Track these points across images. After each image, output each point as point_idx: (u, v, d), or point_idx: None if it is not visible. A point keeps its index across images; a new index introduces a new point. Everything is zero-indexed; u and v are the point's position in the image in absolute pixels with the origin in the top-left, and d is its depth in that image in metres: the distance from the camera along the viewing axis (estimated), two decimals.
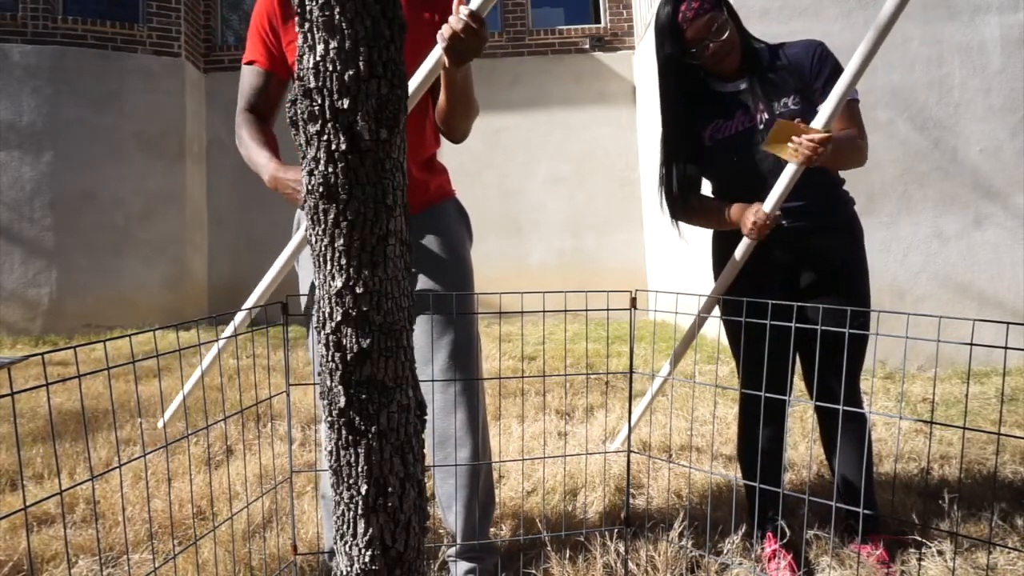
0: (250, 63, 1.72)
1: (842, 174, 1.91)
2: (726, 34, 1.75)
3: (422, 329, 1.66)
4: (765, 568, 1.77)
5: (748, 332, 1.78)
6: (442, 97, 1.62)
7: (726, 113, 1.83)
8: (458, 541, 1.69)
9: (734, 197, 1.84)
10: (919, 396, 3.48)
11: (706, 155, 1.87)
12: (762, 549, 1.82)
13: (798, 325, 1.62)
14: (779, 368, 1.77)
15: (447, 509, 1.71)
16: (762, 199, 1.75)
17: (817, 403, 1.80)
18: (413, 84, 1.51)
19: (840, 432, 1.82)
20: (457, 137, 1.75)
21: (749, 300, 1.74)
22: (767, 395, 1.70)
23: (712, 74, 1.85)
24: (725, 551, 1.79)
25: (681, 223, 1.95)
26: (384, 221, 0.97)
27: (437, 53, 1.49)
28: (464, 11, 1.42)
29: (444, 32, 1.43)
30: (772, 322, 1.60)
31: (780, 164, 1.75)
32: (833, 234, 1.82)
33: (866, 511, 1.66)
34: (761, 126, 1.78)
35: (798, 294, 1.84)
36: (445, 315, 1.66)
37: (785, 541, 1.78)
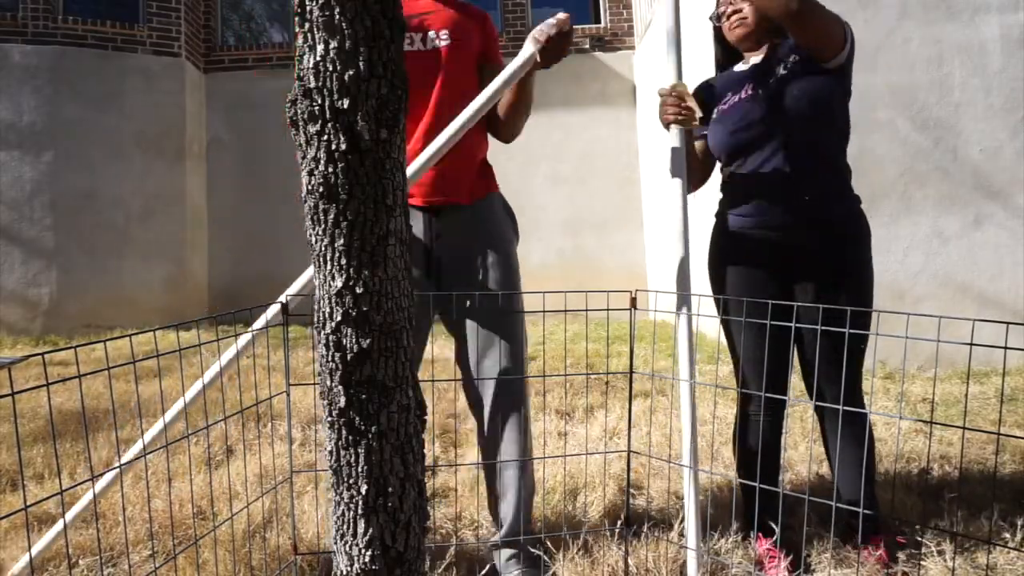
0: None
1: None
2: (744, 4, 1.82)
3: (470, 329, 1.76)
4: (764, 569, 1.77)
5: (743, 331, 1.79)
6: (510, 98, 1.83)
7: (736, 88, 1.87)
8: (503, 530, 1.79)
9: (732, 163, 1.89)
10: (919, 396, 3.48)
11: (713, 125, 1.91)
12: (760, 549, 1.82)
13: (795, 325, 1.62)
14: (775, 368, 1.76)
15: (500, 499, 1.81)
16: (747, 165, 1.82)
17: (817, 403, 1.80)
18: (499, 80, 1.70)
19: (840, 434, 1.81)
20: (513, 135, 1.91)
21: (747, 300, 1.75)
22: (763, 395, 1.70)
23: (739, 52, 1.93)
24: (724, 551, 1.79)
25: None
26: (384, 221, 0.97)
27: (525, 55, 1.70)
28: (556, 18, 1.68)
29: (538, 36, 1.67)
30: (768, 322, 1.60)
31: (767, 130, 1.79)
32: (833, 231, 1.80)
33: (866, 511, 1.66)
34: (753, 94, 1.82)
35: (795, 293, 1.83)
36: (494, 315, 1.75)
37: (780, 541, 1.78)
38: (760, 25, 1.82)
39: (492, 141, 2.00)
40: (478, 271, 1.78)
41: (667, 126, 1.78)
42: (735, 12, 1.83)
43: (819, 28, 1.70)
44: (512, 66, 1.70)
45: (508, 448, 1.76)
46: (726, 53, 1.97)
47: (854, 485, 1.78)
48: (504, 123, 1.88)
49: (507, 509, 1.79)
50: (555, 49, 1.68)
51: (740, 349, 1.85)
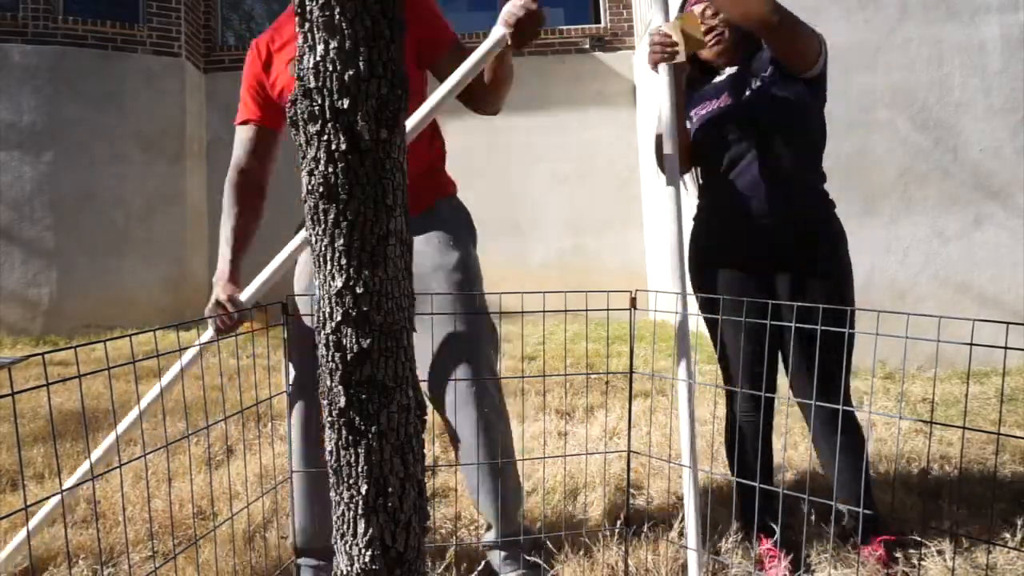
0: (243, 123, 1.86)
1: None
2: (717, 19, 1.86)
3: (425, 333, 1.66)
4: (764, 568, 1.77)
5: (725, 332, 1.83)
6: (489, 74, 1.71)
7: (714, 96, 1.92)
8: (493, 532, 1.75)
9: (708, 171, 1.94)
10: (919, 396, 3.48)
11: (692, 130, 1.96)
12: (761, 549, 1.82)
13: (770, 323, 1.64)
14: (759, 367, 1.79)
15: (482, 503, 1.76)
16: (725, 175, 1.85)
17: (798, 401, 1.82)
18: (465, 66, 1.63)
19: (830, 437, 1.81)
20: (497, 107, 1.82)
21: (725, 299, 1.80)
22: (748, 393, 1.72)
23: (713, 64, 1.94)
24: (724, 551, 1.79)
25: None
26: (384, 221, 0.97)
27: (494, 38, 1.62)
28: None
29: (507, 18, 1.59)
30: (743, 319, 1.62)
31: (742, 137, 1.83)
32: (808, 231, 1.84)
33: (866, 511, 1.67)
34: (731, 101, 1.87)
35: (776, 293, 1.85)
36: (449, 316, 1.66)
37: (779, 540, 1.78)
38: (736, 40, 1.88)
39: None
40: (433, 277, 1.70)
41: (655, 67, 1.80)
42: (710, 30, 1.87)
43: (796, 41, 1.75)
44: (480, 50, 1.64)
45: (473, 454, 1.69)
46: (699, 69, 1.98)
47: (850, 487, 1.79)
48: (486, 97, 1.78)
49: (491, 511, 1.74)
50: (526, 30, 1.60)
51: (727, 349, 1.87)
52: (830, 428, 1.80)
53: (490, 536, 1.78)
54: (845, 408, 1.76)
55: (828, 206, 1.89)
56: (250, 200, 1.81)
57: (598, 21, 7.61)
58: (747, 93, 1.85)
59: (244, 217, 1.78)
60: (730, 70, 1.92)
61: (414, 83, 1.70)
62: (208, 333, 1.70)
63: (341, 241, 0.96)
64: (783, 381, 1.89)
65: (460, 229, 1.82)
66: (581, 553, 1.78)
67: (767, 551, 1.80)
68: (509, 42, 1.62)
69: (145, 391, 1.64)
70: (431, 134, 1.82)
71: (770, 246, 1.83)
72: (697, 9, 1.88)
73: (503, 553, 1.74)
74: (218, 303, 1.66)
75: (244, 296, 1.70)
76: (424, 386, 1.51)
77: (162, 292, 6.70)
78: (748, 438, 1.86)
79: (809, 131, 1.86)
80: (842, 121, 4.35)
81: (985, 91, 4.29)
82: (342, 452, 1.02)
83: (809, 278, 1.82)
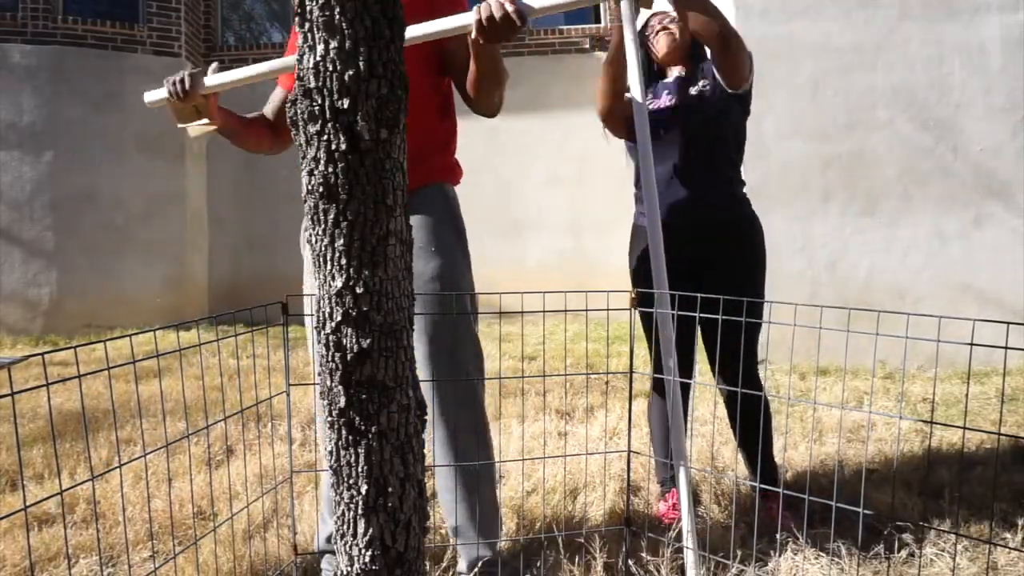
0: (277, 86, 1.93)
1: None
2: (674, 25, 2.11)
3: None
4: (662, 515, 2.10)
5: (653, 321, 2.07)
6: (472, 71, 1.60)
7: (657, 94, 2.15)
8: (466, 560, 1.67)
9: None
10: (919, 396, 3.48)
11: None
12: (672, 501, 2.10)
13: (694, 314, 1.85)
14: (681, 352, 2.02)
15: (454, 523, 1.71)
16: (669, 169, 2.07)
17: (720, 385, 2.11)
18: (425, 29, 1.48)
19: (743, 411, 2.02)
20: (490, 109, 1.68)
21: (653, 292, 1.96)
22: (661, 376, 1.97)
23: (660, 64, 2.19)
24: (723, 551, 1.79)
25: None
26: (384, 221, 0.97)
27: (463, 21, 1.47)
28: (511, 7, 1.42)
29: (482, 11, 1.42)
30: (677, 312, 1.76)
31: (675, 137, 2.06)
32: (726, 228, 2.08)
33: (765, 482, 1.98)
34: (674, 103, 2.10)
35: (697, 284, 2.07)
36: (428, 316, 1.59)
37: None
38: (686, 45, 2.12)
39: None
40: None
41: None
42: (663, 29, 2.12)
43: (739, 58, 1.98)
44: (439, 25, 1.49)
45: (448, 479, 1.65)
46: (649, 66, 2.21)
47: (755, 456, 2.05)
48: (475, 98, 1.66)
49: (465, 536, 1.67)
50: (494, 31, 1.44)
51: (653, 338, 2.11)
52: (733, 405, 2.08)
53: (462, 567, 1.68)
54: (748, 392, 1.99)
55: (742, 206, 2.13)
56: (257, 129, 1.93)
57: (598, 21, 7.61)
58: (689, 96, 2.08)
59: (250, 122, 1.93)
60: (677, 72, 2.15)
61: (431, 81, 1.68)
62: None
63: (341, 241, 0.96)
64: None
65: (444, 229, 1.69)
66: (581, 554, 1.78)
67: (675, 502, 2.07)
68: (473, 35, 1.46)
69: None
70: (431, 113, 1.70)
71: (688, 243, 2.05)
72: (655, 18, 2.12)
73: None
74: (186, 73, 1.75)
75: (211, 81, 1.78)
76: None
77: (162, 292, 6.70)
78: (662, 410, 2.12)
79: (732, 137, 2.10)
80: (842, 121, 4.35)
81: (985, 91, 4.29)
82: (342, 452, 1.02)
83: (722, 272, 2.06)
